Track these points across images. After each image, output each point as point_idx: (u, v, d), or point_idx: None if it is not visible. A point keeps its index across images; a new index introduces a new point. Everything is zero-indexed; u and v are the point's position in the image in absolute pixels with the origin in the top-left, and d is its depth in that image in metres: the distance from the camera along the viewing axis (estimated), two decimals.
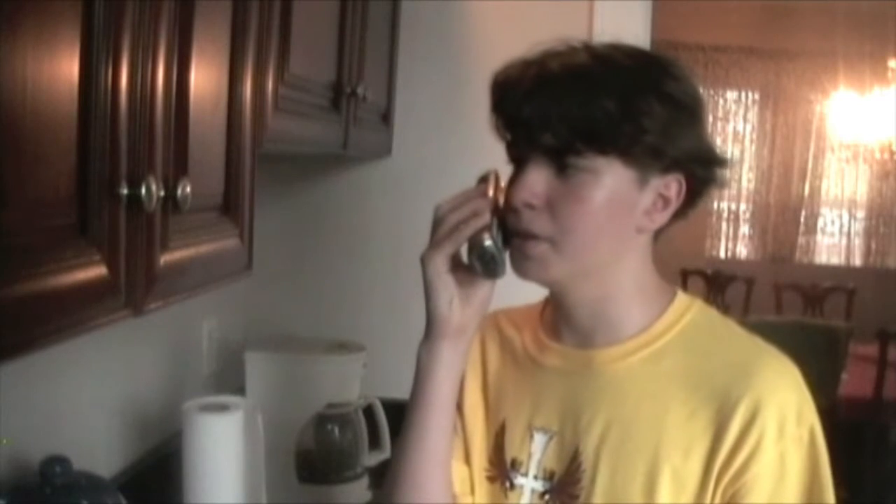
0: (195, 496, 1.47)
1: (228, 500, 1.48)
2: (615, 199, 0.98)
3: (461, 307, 1.04)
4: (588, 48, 1.00)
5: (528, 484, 1.07)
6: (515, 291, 1.11)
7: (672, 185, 1.00)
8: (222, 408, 1.51)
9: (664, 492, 0.98)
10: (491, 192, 1.03)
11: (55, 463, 1.18)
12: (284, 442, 1.78)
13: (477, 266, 1.02)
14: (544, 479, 1.06)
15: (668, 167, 0.99)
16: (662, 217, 1.02)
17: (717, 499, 0.97)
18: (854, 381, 3.99)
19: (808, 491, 0.98)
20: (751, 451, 0.96)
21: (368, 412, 1.90)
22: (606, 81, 0.96)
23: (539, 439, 1.07)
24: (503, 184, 1.03)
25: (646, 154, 0.97)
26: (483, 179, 1.05)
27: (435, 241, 1.02)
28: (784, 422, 0.97)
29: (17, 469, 1.24)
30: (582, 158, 0.96)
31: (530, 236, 1.00)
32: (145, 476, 1.60)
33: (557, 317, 1.09)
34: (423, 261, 1.03)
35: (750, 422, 0.96)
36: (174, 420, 1.55)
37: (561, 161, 0.97)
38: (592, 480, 1.02)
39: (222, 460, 1.48)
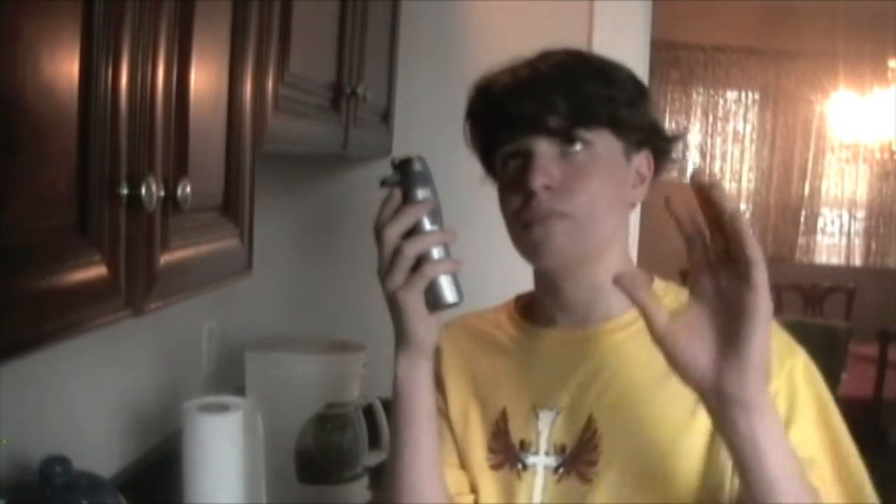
0: (195, 496, 1.47)
1: (228, 500, 1.48)
2: (612, 171, 1.08)
3: (435, 328, 1.06)
4: (557, 53, 1.11)
5: (541, 461, 1.10)
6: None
7: (643, 162, 1.12)
8: (222, 408, 1.51)
9: (685, 445, 1.03)
10: (421, 196, 1.03)
11: (55, 463, 1.18)
12: (284, 442, 1.78)
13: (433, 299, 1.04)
14: (556, 453, 1.09)
15: (640, 143, 1.10)
16: (642, 192, 1.13)
17: None
18: (854, 381, 3.98)
19: (819, 398, 1.05)
20: None
21: (368, 412, 1.90)
22: (586, 70, 1.10)
23: (545, 417, 1.11)
24: (419, 167, 1.04)
25: (627, 125, 1.08)
26: (402, 164, 1.04)
27: (407, 282, 1.02)
28: (780, 354, 1.01)
29: (17, 469, 1.24)
30: (586, 131, 1.06)
31: (554, 214, 1.05)
32: (145, 476, 1.60)
33: (549, 304, 1.15)
34: (398, 300, 1.03)
35: None
36: (174, 420, 1.55)
37: (567, 139, 1.05)
38: (612, 445, 1.06)
39: (222, 460, 1.48)
